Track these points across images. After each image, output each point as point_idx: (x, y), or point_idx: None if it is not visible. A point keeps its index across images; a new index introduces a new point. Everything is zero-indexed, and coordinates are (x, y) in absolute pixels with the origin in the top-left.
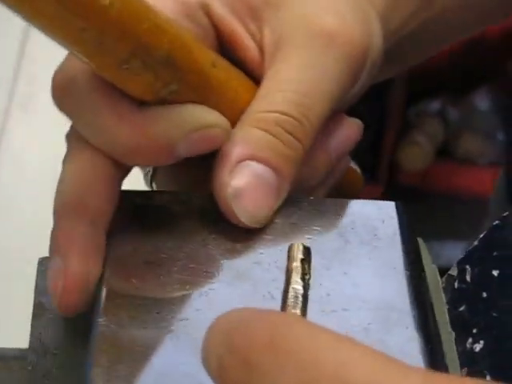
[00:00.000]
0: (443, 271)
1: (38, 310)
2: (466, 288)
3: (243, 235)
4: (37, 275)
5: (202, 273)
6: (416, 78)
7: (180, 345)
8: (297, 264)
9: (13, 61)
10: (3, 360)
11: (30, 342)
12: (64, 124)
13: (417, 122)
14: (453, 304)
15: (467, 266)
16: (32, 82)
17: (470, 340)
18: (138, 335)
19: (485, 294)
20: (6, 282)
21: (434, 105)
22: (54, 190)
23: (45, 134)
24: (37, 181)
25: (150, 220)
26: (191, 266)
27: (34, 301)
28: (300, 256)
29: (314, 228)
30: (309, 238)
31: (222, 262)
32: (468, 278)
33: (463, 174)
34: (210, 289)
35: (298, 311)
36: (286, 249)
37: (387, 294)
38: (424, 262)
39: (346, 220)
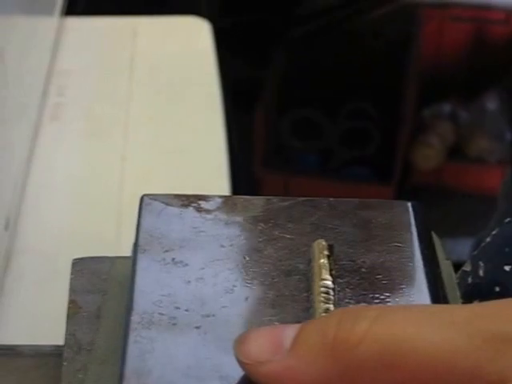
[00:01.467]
0: (456, 266)
1: (73, 308)
2: (479, 283)
3: (265, 236)
4: (71, 275)
5: (226, 270)
6: (428, 81)
7: (207, 340)
8: (324, 260)
9: (43, 73)
10: (40, 356)
11: (66, 339)
12: (93, 134)
13: (429, 124)
14: (467, 298)
15: (480, 262)
16: (62, 93)
17: None
18: (168, 331)
19: (497, 289)
20: (41, 283)
21: (445, 107)
22: (84, 197)
23: (75, 143)
24: (67, 188)
25: (173, 223)
26: (215, 264)
27: (69, 300)
28: (326, 253)
29: (332, 227)
30: (328, 237)
31: (245, 260)
32: (481, 273)
33: (474, 172)
34: (234, 286)
35: (331, 306)
36: (307, 248)
37: (405, 290)
38: (438, 257)
39: (363, 220)
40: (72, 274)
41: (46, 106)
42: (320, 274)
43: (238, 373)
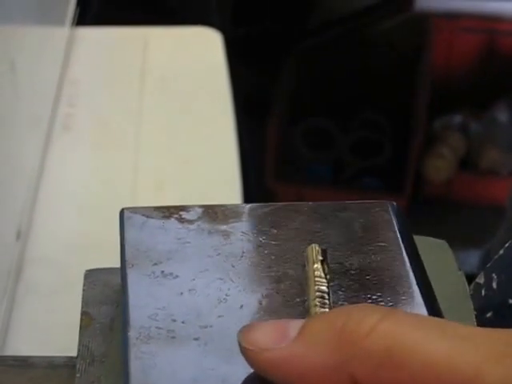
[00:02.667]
0: (468, 278)
1: (86, 320)
2: (492, 295)
3: (250, 243)
4: (83, 286)
5: (216, 280)
6: (438, 92)
7: (208, 351)
8: (318, 265)
9: (54, 83)
10: (53, 367)
11: (79, 350)
12: (104, 144)
13: (440, 135)
14: (480, 311)
15: (493, 275)
16: (73, 103)
17: None
18: (167, 345)
19: (511, 301)
20: (53, 293)
21: (457, 118)
22: (95, 208)
23: (86, 153)
24: (79, 198)
25: (158, 235)
26: (205, 274)
27: (82, 311)
28: (319, 258)
29: (316, 231)
30: (311, 241)
31: (234, 269)
32: (494, 285)
33: (486, 184)
34: (226, 295)
35: (327, 310)
36: (294, 253)
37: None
38: (450, 268)
39: (345, 221)
40: (84, 285)
41: (57, 116)
42: (315, 278)
43: (246, 383)
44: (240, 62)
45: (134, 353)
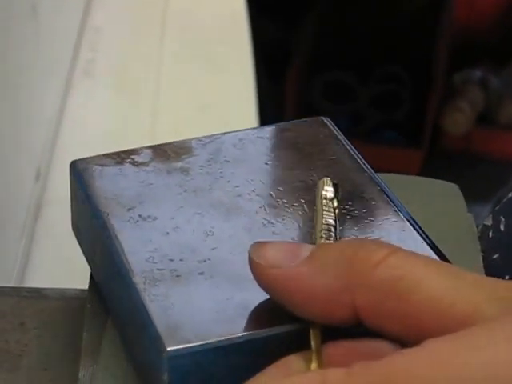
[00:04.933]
0: None
1: None
2: (499, 237)
3: (211, 176)
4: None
5: (195, 215)
6: (459, 46)
7: (217, 283)
8: (327, 199)
9: (75, 29)
10: (65, 299)
11: (90, 282)
12: (123, 88)
13: (460, 89)
14: (487, 252)
15: (501, 217)
16: (94, 48)
17: None
18: (175, 284)
19: None
20: (70, 233)
21: (476, 73)
22: (112, 150)
23: (106, 98)
24: (98, 142)
25: (119, 182)
26: (182, 212)
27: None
28: (330, 190)
29: (267, 154)
30: (266, 164)
31: (206, 202)
32: (502, 227)
33: (503, 138)
34: (211, 227)
35: (332, 242)
36: (254, 177)
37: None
38: (459, 210)
39: (289, 142)
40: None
41: (78, 61)
42: (323, 211)
43: (264, 307)
44: (260, 12)
45: (147, 297)
